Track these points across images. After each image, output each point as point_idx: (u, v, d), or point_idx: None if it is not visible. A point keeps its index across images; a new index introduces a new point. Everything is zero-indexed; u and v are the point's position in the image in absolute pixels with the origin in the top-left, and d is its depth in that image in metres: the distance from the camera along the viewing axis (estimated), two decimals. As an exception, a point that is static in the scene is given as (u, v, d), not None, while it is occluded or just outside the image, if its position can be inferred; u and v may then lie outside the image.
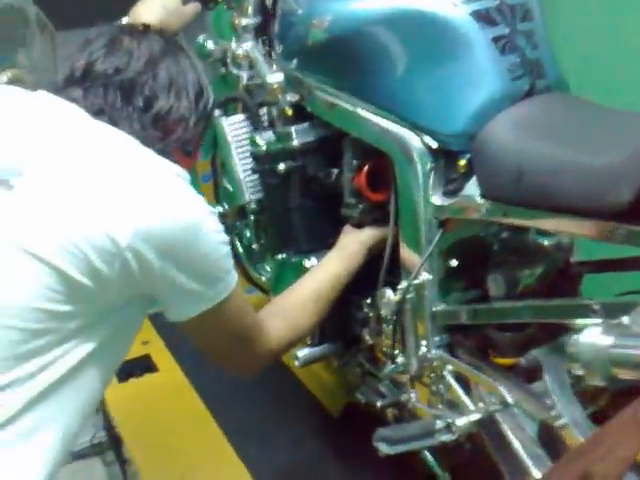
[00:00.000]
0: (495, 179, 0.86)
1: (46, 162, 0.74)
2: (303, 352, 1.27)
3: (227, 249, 0.82)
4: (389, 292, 0.98)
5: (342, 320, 1.24)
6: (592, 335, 0.66)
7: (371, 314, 1.15)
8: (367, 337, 1.18)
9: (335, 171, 1.18)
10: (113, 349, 0.80)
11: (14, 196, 0.72)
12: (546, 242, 1.05)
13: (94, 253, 0.71)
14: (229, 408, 1.50)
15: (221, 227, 0.81)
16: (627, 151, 0.68)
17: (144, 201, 0.74)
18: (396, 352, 1.03)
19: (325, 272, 1.08)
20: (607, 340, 0.65)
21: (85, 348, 0.75)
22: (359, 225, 1.16)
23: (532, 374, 0.96)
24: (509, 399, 0.85)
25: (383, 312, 1.00)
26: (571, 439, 0.78)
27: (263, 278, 1.42)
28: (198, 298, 0.80)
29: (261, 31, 1.31)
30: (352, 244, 1.10)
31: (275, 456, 1.41)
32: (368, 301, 1.17)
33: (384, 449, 0.89)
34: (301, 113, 1.17)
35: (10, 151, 0.75)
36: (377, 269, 1.11)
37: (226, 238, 0.82)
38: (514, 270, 0.98)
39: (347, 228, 1.16)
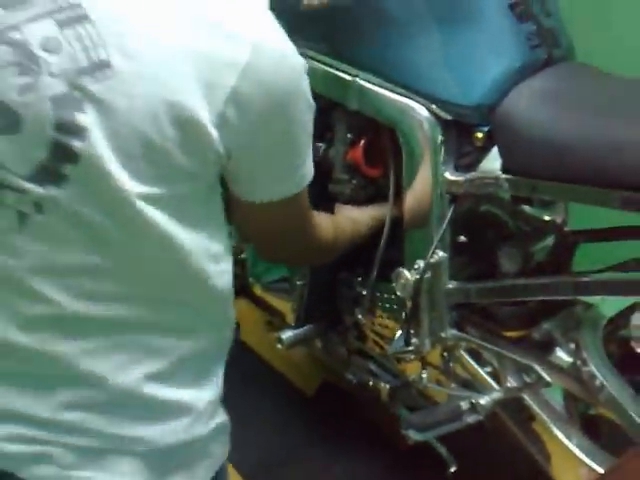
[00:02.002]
0: (525, 154, 0.83)
1: None
2: (287, 334, 1.22)
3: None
4: (406, 272, 0.94)
5: (329, 299, 1.20)
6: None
7: (364, 293, 1.12)
8: (359, 317, 1.14)
9: (321, 145, 1.11)
10: None
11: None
12: (544, 213, 1.05)
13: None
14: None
15: None
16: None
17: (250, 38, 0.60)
18: (408, 332, 0.99)
19: (353, 224, 1.02)
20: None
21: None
22: (350, 202, 1.11)
23: (544, 346, 0.97)
24: (545, 376, 0.84)
25: (399, 293, 0.96)
26: (617, 410, 0.78)
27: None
28: (291, 174, 0.71)
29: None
30: (365, 216, 1.05)
31: (254, 441, 1.36)
32: (359, 280, 1.14)
33: (414, 436, 0.86)
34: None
35: None
36: (365, 247, 1.08)
37: None
38: (527, 244, 0.97)
39: (340, 206, 1.10)
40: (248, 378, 1.48)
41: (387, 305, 1.09)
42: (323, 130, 1.11)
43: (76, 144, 0.57)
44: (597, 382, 0.79)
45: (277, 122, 0.65)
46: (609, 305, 0.96)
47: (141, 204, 0.60)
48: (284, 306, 1.26)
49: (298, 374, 1.48)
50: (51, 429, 0.64)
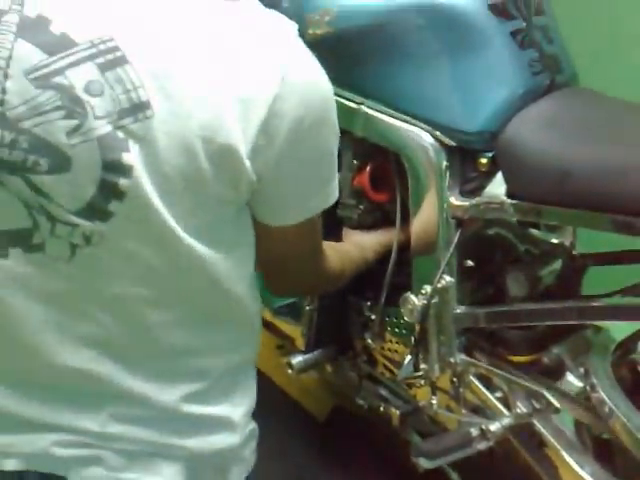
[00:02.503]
0: (529, 179, 0.83)
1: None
2: (297, 359, 1.23)
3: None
4: (413, 298, 0.94)
5: (338, 324, 1.20)
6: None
7: (373, 317, 1.12)
8: (369, 341, 1.14)
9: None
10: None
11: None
12: (552, 237, 1.05)
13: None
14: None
15: None
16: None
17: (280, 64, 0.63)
18: (416, 357, 0.99)
19: (358, 250, 1.03)
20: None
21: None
22: (357, 227, 1.11)
23: (553, 372, 0.97)
24: (555, 402, 0.84)
25: (407, 318, 0.96)
26: (626, 435, 0.77)
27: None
28: (315, 196, 0.72)
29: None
30: (367, 243, 1.05)
31: (263, 464, 1.35)
32: (369, 304, 1.14)
33: (425, 464, 0.86)
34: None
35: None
36: (374, 271, 1.08)
37: None
38: (534, 268, 0.97)
39: (347, 231, 1.11)
40: (259, 402, 1.47)
41: (396, 330, 1.09)
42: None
43: (122, 182, 0.60)
44: (606, 408, 0.79)
45: (304, 149, 0.67)
46: (620, 328, 0.95)
47: (183, 235, 0.63)
48: (294, 331, 1.26)
49: (309, 399, 1.48)
50: (99, 438, 0.68)
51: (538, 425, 0.88)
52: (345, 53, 0.99)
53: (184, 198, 0.62)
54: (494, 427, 0.89)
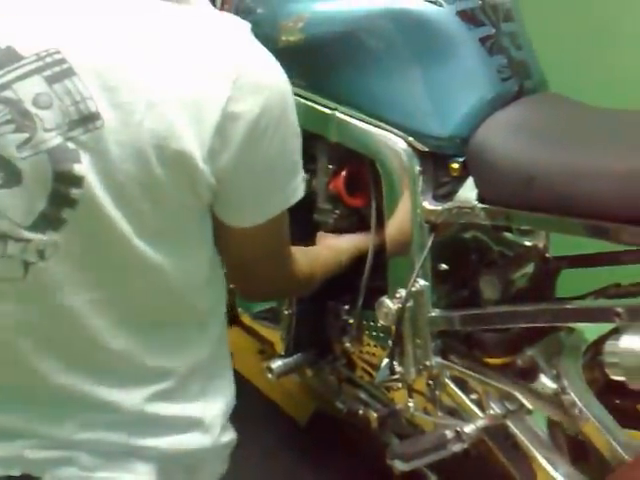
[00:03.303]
0: (498, 184, 0.84)
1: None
2: (276, 364, 1.23)
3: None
4: (388, 301, 0.95)
5: (317, 328, 1.21)
6: (631, 341, 0.66)
7: (351, 321, 1.13)
8: (347, 345, 1.15)
9: (305, 176, 1.13)
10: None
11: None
12: (525, 240, 1.06)
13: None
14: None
15: None
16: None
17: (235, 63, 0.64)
18: (391, 360, 1.00)
19: (330, 254, 1.04)
20: (648, 346, 0.65)
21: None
22: (334, 231, 1.12)
23: (528, 373, 0.98)
24: (527, 403, 0.85)
25: (382, 321, 0.97)
26: (596, 436, 0.78)
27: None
28: (276, 195, 0.73)
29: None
30: (343, 245, 1.06)
31: (246, 470, 1.36)
32: (346, 308, 1.15)
33: (400, 466, 0.87)
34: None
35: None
36: (351, 275, 1.09)
37: None
38: (506, 271, 0.98)
39: (322, 234, 1.12)
40: (241, 407, 1.47)
41: (374, 333, 1.10)
42: (306, 161, 1.12)
43: (74, 191, 0.60)
44: (577, 409, 0.80)
45: (262, 149, 0.67)
46: (593, 330, 0.97)
47: (136, 241, 0.64)
48: (273, 335, 1.27)
49: (291, 403, 1.48)
50: (71, 444, 0.69)
51: (512, 426, 0.89)
52: (318, 59, 1.00)
53: (141, 205, 0.62)
54: (469, 429, 0.89)
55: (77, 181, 0.60)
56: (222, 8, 1.21)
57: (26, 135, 0.59)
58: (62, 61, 0.59)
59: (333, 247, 1.05)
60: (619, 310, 0.74)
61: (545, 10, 1.29)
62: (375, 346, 1.11)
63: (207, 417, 0.75)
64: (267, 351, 1.36)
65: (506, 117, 0.88)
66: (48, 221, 0.61)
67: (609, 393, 0.86)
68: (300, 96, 1.04)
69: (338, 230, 1.11)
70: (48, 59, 0.59)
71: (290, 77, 1.03)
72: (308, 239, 1.13)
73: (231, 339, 1.54)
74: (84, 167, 0.60)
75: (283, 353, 1.23)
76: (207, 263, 0.73)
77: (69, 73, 0.59)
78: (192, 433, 0.74)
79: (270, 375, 1.23)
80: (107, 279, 0.66)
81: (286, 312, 1.20)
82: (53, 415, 0.68)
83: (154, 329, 0.71)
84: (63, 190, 0.60)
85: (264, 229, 0.74)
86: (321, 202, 1.11)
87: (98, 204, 0.61)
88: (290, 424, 1.46)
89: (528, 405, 0.85)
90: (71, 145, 0.59)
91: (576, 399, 0.80)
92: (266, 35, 1.03)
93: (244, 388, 1.53)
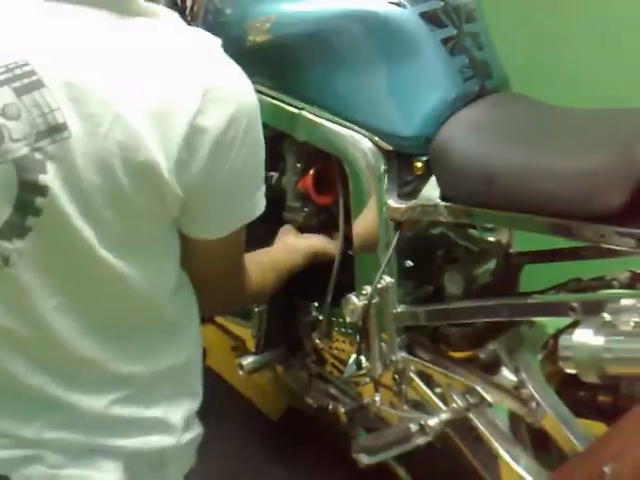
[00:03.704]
0: (459, 182, 0.86)
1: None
2: (247, 360, 1.24)
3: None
4: (354, 298, 0.97)
5: (287, 325, 1.22)
6: (584, 335, 0.68)
7: (321, 318, 1.14)
8: (317, 341, 1.16)
9: (274, 174, 1.15)
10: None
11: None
12: (488, 237, 1.09)
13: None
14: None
15: None
16: (612, 154, 0.70)
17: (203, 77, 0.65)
18: (358, 356, 1.02)
19: (285, 257, 1.05)
20: (599, 340, 0.67)
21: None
22: (303, 229, 1.14)
23: (490, 367, 1.00)
24: (487, 396, 0.87)
25: (349, 318, 0.98)
26: (554, 428, 0.80)
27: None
28: (239, 208, 0.74)
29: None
30: (306, 244, 1.08)
31: (219, 466, 1.37)
32: (316, 305, 1.16)
33: (365, 460, 0.89)
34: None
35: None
36: (320, 272, 1.10)
37: None
38: (469, 267, 1.00)
39: (286, 226, 1.13)
40: (214, 403, 1.48)
41: (342, 329, 1.12)
42: (275, 159, 1.14)
43: (39, 200, 0.61)
44: (534, 402, 0.82)
45: (228, 161, 0.68)
46: (555, 323, 0.99)
47: (100, 250, 0.64)
48: (244, 332, 1.28)
49: (264, 399, 1.50)
50: (36, 443, 0.69)
51: (474, 420, 0.91)
52: (285, 59, 1.01)
53: (106, 215, 0.63)
54: (433, 422, 0.91)
55: (42, 190, 0.61)
56: (192, 9, 1.23)
57: None
58: (31, 73, 0.60)
59: (290, 249, 1.07)
60: (574, 305, 0.77)
61: (508, 10, 1.31)
62: (344, 342, 1.12)
63: (171, 419, 0.76)
64: (240, 348, 1.37)
65: (467, 116, 0.90)
66: (13, 229, 0.62)
67: (570, 385, 0.88)
68: (268, 96, 1.06)
69: (307, 228, 1.13)
70: (17, 71, 0.60)
71: (259, 77, 1.06)
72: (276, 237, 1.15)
73: (205, 336, 1.56)
74: (49, 177, 0.61)
75: (254, 350, 1.25)
76: (174, 272, 0.74)
77: (38, 85, 0.60)
78: (156, 434, 0.75)
79: (241, 372, 1.24)
80: (72, 286, 0.66)
81: (256, 309, 1.20)
82: (20, 415, 0.69)
83: (120, 335, 0.72)
84: (28, 199, 0.61)
85: (225, 242, 0.75)
86: (290, 200, 1.12)
87: (62, 213, 0.62)
88: (263, 420, 1.47)
89: (489, 398, 0.87)
90: (38, 155, 0.60)
91: (534, 392, 0.83)
92: (234, 36, 1.05)
93: (217, 384, 1.55)
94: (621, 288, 0.93)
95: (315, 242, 1.09)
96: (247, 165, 0.71)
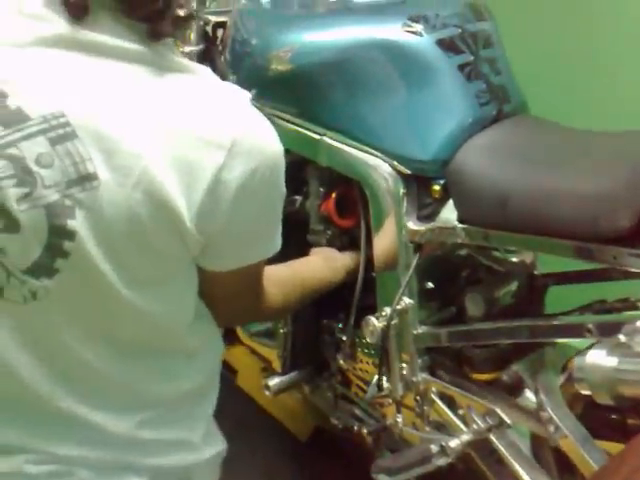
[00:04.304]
0: (475, 205, 0.87)
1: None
2: (274, 381, 1.26)
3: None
4: (373, 319, 0.98)
5: (312, 346, 1.24)
6: (597, 356, 0.69)
7: (344, 339, 1.16)
8: (341, 362, 1.18)
9: (298, 198, 1.17)
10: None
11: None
12: (512, 258, 1.09)
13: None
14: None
15: None
16: (622, 176, 0.71)
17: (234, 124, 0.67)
18: (380, 377, 1.03)
19: (312, 271, 1.06)
20: (612, 361, 0.68)
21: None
22: (327, 251, 1.16)
23: (513, 389, 1.00)
24: (506, 418, 0.87)
25: (368, 339, 1.00)
26: (572, 451, 0.80)
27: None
28: (256, 249, 0.76)
29: (204, 59, 1.30)
30: (339, 260, 1.10)
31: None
32: (340, 326, 1.18)
33: (385, 480, 0.89)
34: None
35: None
36: (345, 293, 1.12)
37: None
38: (491, 288, 1.01)
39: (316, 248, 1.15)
40: (244, 423, 1.51)
41: (366, 350, 1.13)
42: (299, 184, 1.17)
43: (67, 244, 0.65)
44: (553, 425, 0.82)
45: (248, 209, 0.71)
46: (579, 344, 0.98)
47: (124, 291, 0.68)
48: (270, 353, 1.30)
49: (292, 419, 1.51)
50: (67, 459, 0.72)
51: (495, 441, 0.91)
52: (306, 87, 1.04)
53: (131, 258, 0.67)
54: (454, 443, 0.91)
55: (70, 235, 0.64)
56: (222, 40, 1.28)
57: (26, 190, 0.63)
58: (66, 124, 0.64)
59: (327, 264, 1.08)
60: (590, 326, 0.77)
61: (526, 34, 1.33)
62: (367, 363, 1.14)
63: (195, 438, 0.79)
64: (270, 369, 1.40)
65: (483, 140, 0.91)
66: (42, 269, 0.65)
67: (596, 407, 0.88)
68: (292, 122, 1.09)
69: (331, 250, 1.15)
70: (53, 122, 0.64)
71: (282, 104, 1.10)
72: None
73: (236, 357, 1.59)
74: (78, 223, 0.64)
75: (280, 371, 1.27)
76: (192, 304, 0.77)
77: (71, 136, 0.64)
78: (180, 452, 0.78)
79: (267, 392, 1.26)
80: (95, 319, 0.70)
81: (282, 331, 1.23)
82: (53, 433, 0.72)
83: (144, 360, 0.75)
84: (57, 242, 0.64)
85: (238, 274, 0.78)
86: (314, 223, 1.15)
87: (89, 257, 0.65)
88: (291, 440, 1.48)
89: (507, 420, 0.87)
90: (67, 202, 0.63)
91: (552, 414, 0.82)
92: (259, 65, 1.09)
93: (247, 404, 1.57)
94: (646, 310, 0.92)
95: (347, 258, 1.11)
96: (266, 211, 0.74)
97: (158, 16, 0.67)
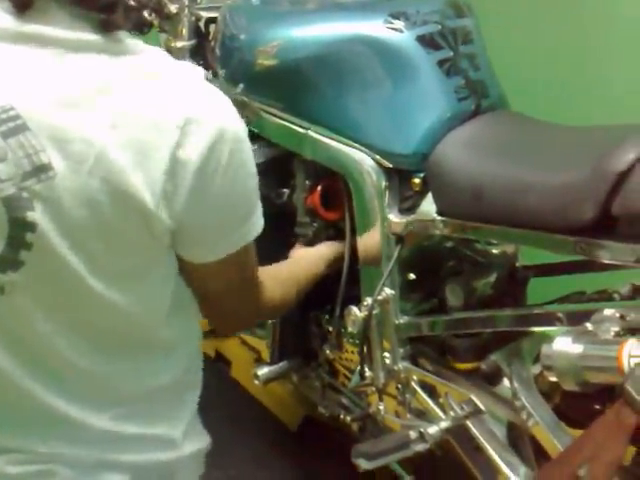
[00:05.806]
0: (452, 197, 0.90)
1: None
2: (263, 371, 1.29)
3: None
4: (355, 309, 1.01)
5: (300, 336, 1.26)
6: (563, 344, 0.71)
7: (331, 329, 1.18)
8: (328, 352, 1.20)
9: (286, 191, 1.20)
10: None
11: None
12: (493, 250, 1.11)
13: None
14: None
15: None
16: (586, 169, 0.73)
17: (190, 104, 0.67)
18: (362, 366, 1.05)
19: (302, 268, 1.07)
20: (578, 348, 0.70)
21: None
22: (312, 243, 1.18)
23: (492, 378, 1.02)
24: (480, 405, 0.89)
25: (350, 329, 1.02)
26: (543, 438, 0.82)
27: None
28: (233, 232, 0.75)
29: (196, 54, 1.32)
30: (316, 253, 1.12)
31: (236, 475, 1.41)
32: (327, 317, 1.20)
33: (364, 465, 0.92)
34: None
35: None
36: (332, 285, 1.14)
37: None
38: (470, 279, 1.03)
39: (298, 246, 1.17)
40: (237, 413, 1.54)
41: (351, 340, 1.16)
42: (286, 177, 1.19)
43: (29, 236, 0.66)
44: (525, 413, 0.84)
45: (214, 191, 0.70)
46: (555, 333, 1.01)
47: (92, 281, 0.68)
48: (260, 344, 1.33)
49: (282, 409, 1.53)
50: (47, 457, 0.73)
51: (472, 428, 0.93)
52: (291, 82, 1.06)
53: (95, 247, 0.67)
54: (432, 430, 0.93)
55: (31, 227, 0.64)
56: (214, 36, 1.29)
57: None
58: (16, 117, 0.64)
59: (309, 257, 1.10)
60: (560, 315, 0.79)
61: (508, 29, 1.34)
62: (353, 353, 1.16)
63: (176, 434, 0.79)
64: (260, 359, 1.42)
65: (461, 134, 0.93)
66: (7, 262, 0.66)
67: (573, 396, 0.90)
68: (278, 116, 1.12)
69: (316, 242, 1.17)
70: (3, 115, 0.63)
71: (269, 99, 1.13)
72: (287, 250, 1.19)
73: (229, 349, 1.61)
74: (37, 214, 0.64)
75: (269, 360, 1.29)
76: (167, 296, 0.77)
77: (23, 128, 0.63)
78: (160, 449, 0.78)
79: (257, 381, 1.29)
80: (66, 312, 0.70)
81: (270, 321, 1.26)
82: (33, 430, 0.73)
83: (120, 353, 0.75)
84: (19, 234, 0.65)
85: (225, 263, 0.77)
86: (300, 216, 1.17)
87: (52, 248, 0.65)
88: (281, 429, 1.51)
89: (482, 407, 0.89)
90: (25, 194, 0.64)
91: (525, 402, 0.85)
92: (246, 60, 1.12)
93: (238, 394, 1.60)
94: (622, 300, 0.95)
95: (333, 249, 1.12)
96: (235, 191, 0.73)
97: (109, 7, 0.67)
